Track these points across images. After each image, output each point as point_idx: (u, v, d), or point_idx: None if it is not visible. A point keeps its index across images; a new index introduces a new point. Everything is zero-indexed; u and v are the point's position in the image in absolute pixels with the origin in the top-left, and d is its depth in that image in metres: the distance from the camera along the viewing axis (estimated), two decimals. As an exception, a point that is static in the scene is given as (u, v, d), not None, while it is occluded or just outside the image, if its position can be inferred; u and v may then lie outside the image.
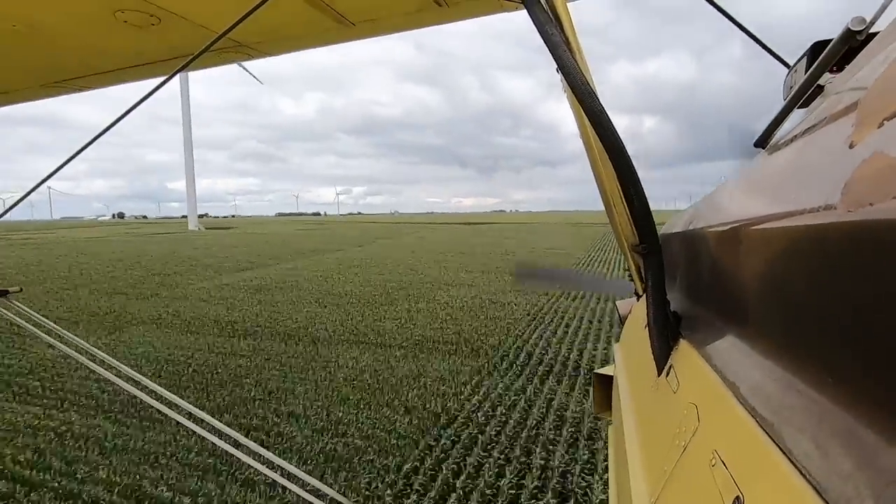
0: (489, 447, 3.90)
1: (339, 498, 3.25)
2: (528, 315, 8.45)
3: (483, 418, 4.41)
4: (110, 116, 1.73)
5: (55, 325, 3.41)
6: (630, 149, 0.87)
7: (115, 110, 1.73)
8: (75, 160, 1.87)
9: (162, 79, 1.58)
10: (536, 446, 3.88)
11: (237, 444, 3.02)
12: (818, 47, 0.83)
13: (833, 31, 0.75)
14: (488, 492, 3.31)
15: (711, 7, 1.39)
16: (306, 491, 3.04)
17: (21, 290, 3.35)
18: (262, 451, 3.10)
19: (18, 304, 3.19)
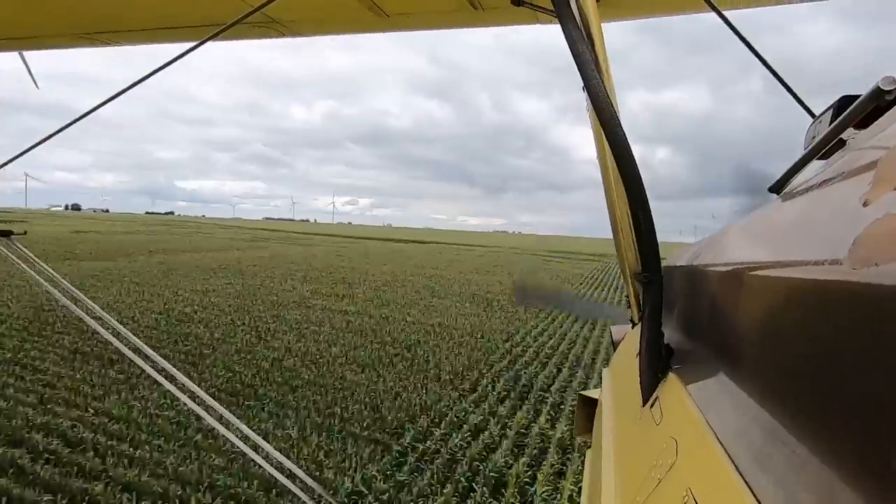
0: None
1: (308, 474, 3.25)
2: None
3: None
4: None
5: (52, 270, 3.44)
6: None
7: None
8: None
9: (192, 44, 1.59)
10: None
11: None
12: (845, 101, 0.83)
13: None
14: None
15: (732, 42, 1.39)
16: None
17: (25, 232, 3.38)
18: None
19: (20, 245, 3.21)
